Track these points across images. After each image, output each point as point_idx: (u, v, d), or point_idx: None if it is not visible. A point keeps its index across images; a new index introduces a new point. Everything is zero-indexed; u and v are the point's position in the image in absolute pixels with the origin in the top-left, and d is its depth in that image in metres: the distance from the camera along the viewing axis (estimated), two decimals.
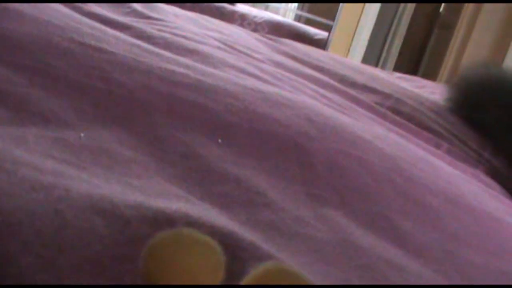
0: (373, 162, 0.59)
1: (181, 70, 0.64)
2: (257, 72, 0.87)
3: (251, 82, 0.72)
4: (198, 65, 0.71)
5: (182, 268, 0.24)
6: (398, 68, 3.15)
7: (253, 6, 3.90)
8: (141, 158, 0.44)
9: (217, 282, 0.25)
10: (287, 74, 0.99)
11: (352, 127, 0.67)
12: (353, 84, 1.23)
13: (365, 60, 3.16)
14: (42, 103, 0.47)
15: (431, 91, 1.68)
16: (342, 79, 1.24)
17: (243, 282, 0.25)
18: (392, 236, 0.45)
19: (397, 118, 1.06)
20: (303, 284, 0.25)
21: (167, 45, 0.84)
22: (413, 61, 3.31)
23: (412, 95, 1.28)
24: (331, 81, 1.14)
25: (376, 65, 3.21)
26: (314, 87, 0.98)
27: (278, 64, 1.11)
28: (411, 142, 0.89)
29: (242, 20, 3.45)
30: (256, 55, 1.11)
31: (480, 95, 1.29)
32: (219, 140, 0.49)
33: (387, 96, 1.19)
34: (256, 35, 1.61)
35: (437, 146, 0.99)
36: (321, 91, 0.97)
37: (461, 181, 0.74)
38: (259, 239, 0.36)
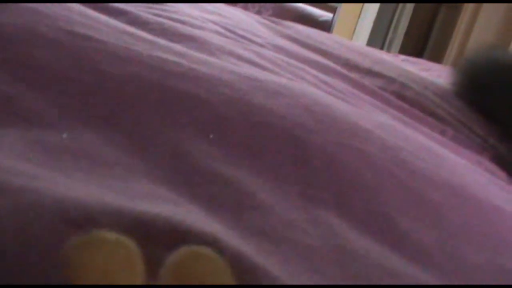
0: (373, 154, 0.57)
1: (174, 58, 0.61)
2: (255, 58, 0.85)
3: (248, 69, 0.70)
4: (193, 53, 0.68)
5: (91, 269, 0.23)
6: (403, 50, 3.11)
7: None
8: (127, 160, 0.41)
9: (138, 280, 0.24)
10: (288, 59, 0.97)
11: (352, 116, 0.65)
12: (357, 68, 1.20)
13: (370, 42, 3.12)
14: (24, 102, 0.44)
15: (437, 74, 1.66)
16: (346, 63, 1.22)
17: (161, 272, 0.25)
18: (390, 238, 0.43)
19: (401, 103, 1.03)
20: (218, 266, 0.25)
21: (163, 31, 0.81)
22: (419, 43, 3.27)
23: (417, 79, 1.25)
24: (334, 65, 1.11)
25: (382, 47, 3.17)
26: (315, 72, 0.96)
27: (279, 49, 1.08)
28: (415, 129, 0.86)
29: (246, 2, 3.41)
30: (257, 39, 1.09)
31: (486, 79, 1.27)
32: (210, 136, 0.47)
33: (391, 80, 1.17)
34: (258, 17, 1.58)
35: (442, 133, 0.97)
36: (322, 76, 0.94)
37: (466, 171, 0.72)
38: (246, 245, 0.34)
